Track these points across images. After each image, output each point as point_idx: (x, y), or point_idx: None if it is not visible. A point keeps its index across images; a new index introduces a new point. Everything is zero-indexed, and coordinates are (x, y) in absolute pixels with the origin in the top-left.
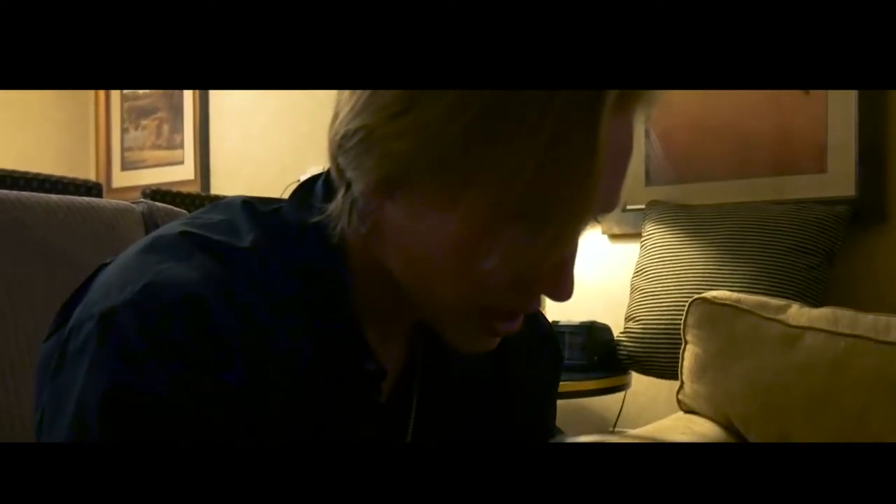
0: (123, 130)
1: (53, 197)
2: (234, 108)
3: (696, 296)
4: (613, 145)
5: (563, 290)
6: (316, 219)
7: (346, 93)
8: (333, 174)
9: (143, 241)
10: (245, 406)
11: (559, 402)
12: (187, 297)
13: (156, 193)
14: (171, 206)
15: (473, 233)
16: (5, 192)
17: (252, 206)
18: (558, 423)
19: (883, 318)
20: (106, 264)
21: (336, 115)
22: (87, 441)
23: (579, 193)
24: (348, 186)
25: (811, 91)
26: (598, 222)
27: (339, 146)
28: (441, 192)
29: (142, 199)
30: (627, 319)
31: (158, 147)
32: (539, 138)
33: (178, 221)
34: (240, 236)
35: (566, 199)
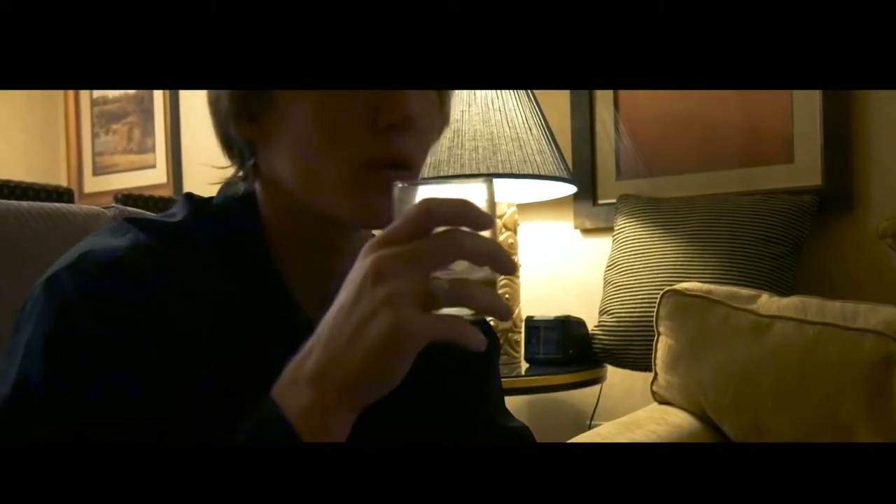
0: (94, 135)
1: (24, 203)
2: (205, 110)
3: (667, 287)
4: None
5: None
6: (236, 193)
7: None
8: (229, 149)
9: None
10: (174, 348)
11: (535, 397)
12: (115, 258)
13: (128, 198)
14: (141, 210)
15: (313, 119)
16: None
17: (191, 195)
18: (534, 417)
19: (850, 305)
20: None
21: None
22: (34, 380)
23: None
24: (241, 157)
25: None
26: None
27: (236, 117)
28: (283, 120)
29: (113, 204)
30: (601, 313)
31: (130, 151)
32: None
33: None
34: (173, 215)
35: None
